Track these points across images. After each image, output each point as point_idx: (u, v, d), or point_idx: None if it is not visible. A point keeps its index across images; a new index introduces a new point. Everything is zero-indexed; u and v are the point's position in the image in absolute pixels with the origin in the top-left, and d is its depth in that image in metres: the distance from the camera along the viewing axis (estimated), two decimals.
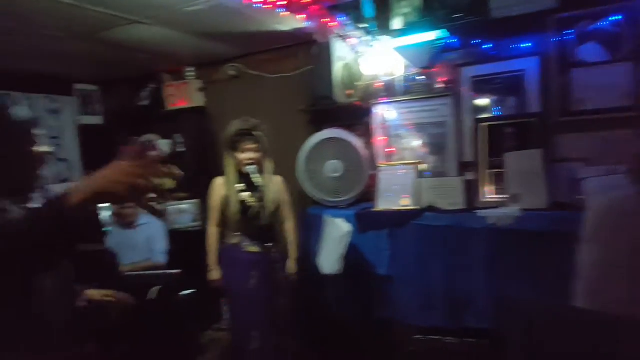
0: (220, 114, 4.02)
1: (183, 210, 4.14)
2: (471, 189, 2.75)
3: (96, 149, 4.39)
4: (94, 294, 1.71)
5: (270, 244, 2.80)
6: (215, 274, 2.80)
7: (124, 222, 3.63)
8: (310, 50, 3.22)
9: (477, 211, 2.60)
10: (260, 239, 2.79)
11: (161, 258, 3.65)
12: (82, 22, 2.77)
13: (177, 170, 1.02)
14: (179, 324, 3.40)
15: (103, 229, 3.45)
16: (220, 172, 2.93)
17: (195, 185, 4.18)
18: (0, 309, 1.20)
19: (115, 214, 3.66)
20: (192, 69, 4.02)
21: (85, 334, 1.52)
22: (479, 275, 2.56)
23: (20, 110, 1.42)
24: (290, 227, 2.98)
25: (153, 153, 0.93)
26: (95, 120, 4.55)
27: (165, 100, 4.12)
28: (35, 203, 1.49)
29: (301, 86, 3.44)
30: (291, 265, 2.97)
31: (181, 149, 4.22)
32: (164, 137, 4.29)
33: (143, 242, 3.64)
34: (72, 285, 1.55)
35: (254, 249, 2.81)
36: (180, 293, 3.35)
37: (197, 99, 4.05)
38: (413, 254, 2.73)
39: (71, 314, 1.46)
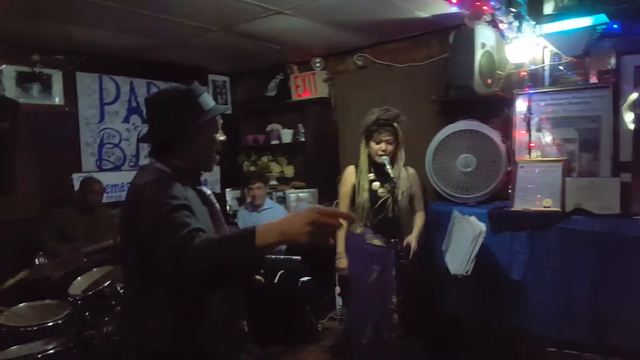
0: (343, 105, 4.04)
1: (302, 199, 4.24)
2: (627, 192, 2.47)
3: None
4: None
5: (394, 239, 2.73)
6: (343, 261, 2.79)
7: (252, 205, 3.81)
8: (445, 37, 3.08)
9: (638, 217, 2.30)
10: (385, 232, 2.73)
11: None
12: (229, 13, 2.92)
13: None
14: (299, 308, 3.50)
15: None
16: (338, 164, 2.92)
17: (314, 175, 4.28)
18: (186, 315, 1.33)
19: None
20: (319, 59, 4.09)
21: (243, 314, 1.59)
22: (636, 289, 2.29)
23: (208, 98, 1.42)
24: (419, 221, 2.88)
25: None
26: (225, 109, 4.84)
27: (291, 90, 4.25)
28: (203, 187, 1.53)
29: (432, 75, 3.32)
30: (410, 259, 2.86)
31: (302, 138, 4.33)
32: (287, 127, 4.44)
33: None
34: None
35: (378, 242, 2.75)
36: (300, 279, 3.45)
37: (321, 90, 4.11)
38: (555, 260, 2.52)
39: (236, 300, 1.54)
